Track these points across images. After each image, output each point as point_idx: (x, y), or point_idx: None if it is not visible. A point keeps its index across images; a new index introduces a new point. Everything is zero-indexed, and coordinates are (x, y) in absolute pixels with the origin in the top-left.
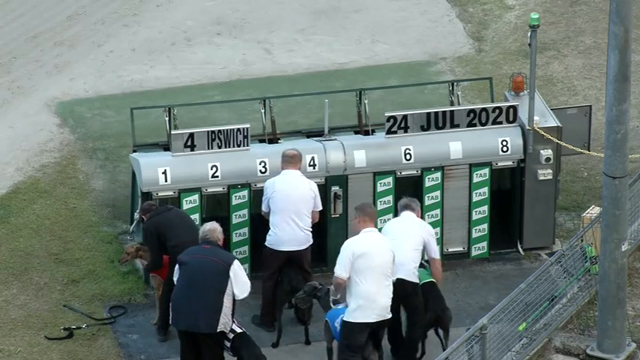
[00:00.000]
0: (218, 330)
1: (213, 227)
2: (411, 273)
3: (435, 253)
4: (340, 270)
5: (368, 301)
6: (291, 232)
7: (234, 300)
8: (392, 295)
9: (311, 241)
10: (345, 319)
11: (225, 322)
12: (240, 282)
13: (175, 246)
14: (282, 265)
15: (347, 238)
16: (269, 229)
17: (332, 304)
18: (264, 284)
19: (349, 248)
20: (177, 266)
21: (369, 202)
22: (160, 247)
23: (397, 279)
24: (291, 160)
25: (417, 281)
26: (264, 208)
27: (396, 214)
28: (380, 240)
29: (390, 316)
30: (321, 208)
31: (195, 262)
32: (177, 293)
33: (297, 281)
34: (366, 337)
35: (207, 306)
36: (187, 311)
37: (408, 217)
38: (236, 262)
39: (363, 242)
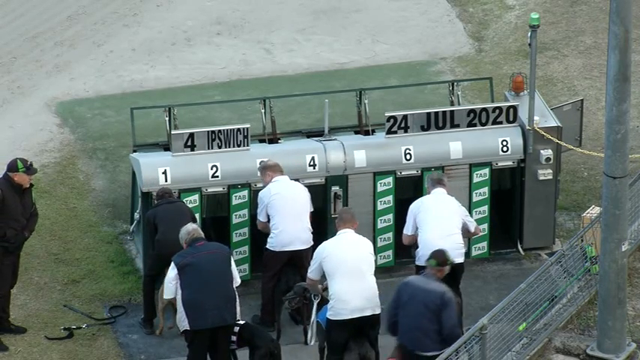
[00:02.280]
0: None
1: (194, 226)
2: (459, 254)
3: (474, 223)
4: (310, 272)
5: (339, 301)
6: (294, 231)
7: None
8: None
9: (312, 242)
10: (327, 315)
11: (238, 311)
12: (235, 271)
13: (159, 240)
14: (283, 266)
15: None
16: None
17: (314, 299)
18: (265, 285)
19: (318, 251)
20: (174, 270)
21: (345, 208)
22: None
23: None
24: (276, 168)
25: (462, 260)
26: (261, 218)
27: (396, 213)
28: (352, 240)
29: (368, 314)
30: (312, 209)
31: (201, 260)
32: (193, 294)
33: (294, 282)
34: (346, 335)
35: (228, 297)
36: (211, 308)
37: (441, 195)
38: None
39: (332, 244)
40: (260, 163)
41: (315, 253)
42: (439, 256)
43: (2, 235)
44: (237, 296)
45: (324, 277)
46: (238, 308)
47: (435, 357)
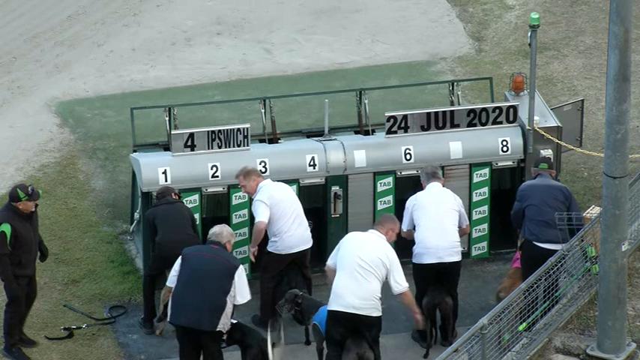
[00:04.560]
0: (217, 329)
1: (219, 230)
2: (455, 253)
3: (466, 220)
4: (330, 259)
5: (335, 294)
6: (300, 233)
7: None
8: (369, 298)
9: (312, 241)
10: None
11: (225, 322)
12: (243, 287)
13: (160, 242)
14: (286, 266)
15: None
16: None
17: None
18: (264, 286)
19: (340, 241)
20: (179, 259)
21: (387, 214)
22: (154, 239)
23: (438, 263)
24: (258, 172)
25: (459, 259)
26: (265, 219)
27: (396, 212)
28: (369, 239)
29: (363, 313)
30: None
31: (199, 259)
32: (179, 289)
33: (295, 282)
34: (341, 331)
35: (211, 304)
36: (190, 308)
37: (437, 189)
38: (242, 266)
39: (351, 237)
40: (241, 170)
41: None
42: (547, 160)
43: (17, 262)
44: (225, 308)
45: None
46: (224, 320)
47: (555, 251)
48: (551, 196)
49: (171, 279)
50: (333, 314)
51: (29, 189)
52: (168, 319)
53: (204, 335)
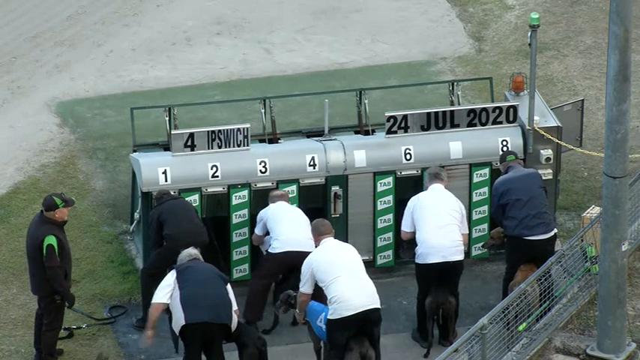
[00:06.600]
0: (231, 324)
1: (187, 251)
2: (458, 251)
3: (466, 229)
4: (303, 287)
5: (342, 302)
6: (295, 237)
7: None
8: (369, 291)
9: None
10: (327, 317)
11: (235, 319)
12: (233, 297)
13: (170, 234)
14: (282, 270)
15: (347, 239)
16: None
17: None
18: (254, 284)
19: (308, 264)
20: (173, 275)
21: (318, 219)
22: (160, 235)
23: (442, 262)
24: (281, 197)
25: (461, 258)
26: (258, 231)
27: (396, 212)
28: (338, 244)
29: (372, 307)
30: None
31: (197, 265)
32: (190, 291)
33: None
34: (348, 334)
35: (222, 298)
36: (208, 303)
37: (439, 190)
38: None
39: (321, 252)
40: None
41: (303, 268)
42: (512, 152)
43: (64, 274)
44: (233, 305)
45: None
46: (234, 316)
47: (544, 240)
48: (530, 183)
49: (165, 295)
50: (342, 320)
51: (63, 195)
52: (185, 321)
53: (217, 331)
